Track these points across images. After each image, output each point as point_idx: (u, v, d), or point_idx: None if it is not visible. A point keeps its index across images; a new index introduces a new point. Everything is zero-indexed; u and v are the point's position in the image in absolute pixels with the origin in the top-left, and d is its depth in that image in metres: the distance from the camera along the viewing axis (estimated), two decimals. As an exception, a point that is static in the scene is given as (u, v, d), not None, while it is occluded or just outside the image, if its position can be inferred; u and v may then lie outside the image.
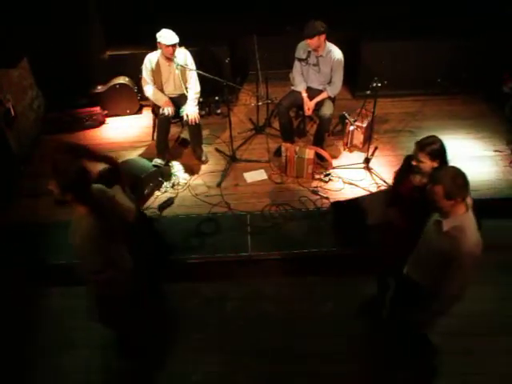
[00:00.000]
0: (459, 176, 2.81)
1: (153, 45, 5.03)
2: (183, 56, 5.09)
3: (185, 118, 5.18)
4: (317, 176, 5.22)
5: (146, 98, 5.43)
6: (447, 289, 2.94)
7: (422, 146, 3.28)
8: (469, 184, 2.81)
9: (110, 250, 3.05)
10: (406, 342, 3.75)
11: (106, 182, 3.27)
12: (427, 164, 3.26)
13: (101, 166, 3.57)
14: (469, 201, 2.95)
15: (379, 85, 4.81)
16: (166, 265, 4.44)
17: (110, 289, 3.15)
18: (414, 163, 3.31)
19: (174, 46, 4.86)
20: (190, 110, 5.14)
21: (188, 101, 5.20)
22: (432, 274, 3.06)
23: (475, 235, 2.79)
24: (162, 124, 5.25)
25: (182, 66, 5.00)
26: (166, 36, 4.82)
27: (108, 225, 2.96)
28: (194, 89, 5.19)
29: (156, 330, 4.06)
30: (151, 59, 5.07)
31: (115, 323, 3.60)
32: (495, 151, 5.48)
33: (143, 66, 5.12)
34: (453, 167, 2.90)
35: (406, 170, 3.49)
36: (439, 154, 3.27)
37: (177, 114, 5.28)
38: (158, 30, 4.88)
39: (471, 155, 5.45)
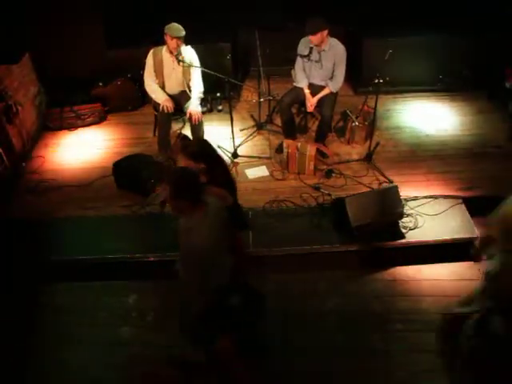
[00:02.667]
0: (185, 178, 2.81)
1: (154, 42, 5.05)
2: (189, 54, 5.12)
3: (187, 116, 5.19)
4: (318, 172, 5.22)
5: (147, 94, 5.43)
6: (184, 287, 3.02)
7: (181, 148, 3.39)
8: (198, 186, 2.81)
9: None
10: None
11: None
12: (191, 165, 3.30)
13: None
14: (214, 204, 2.96)
15: (381, 81, 4.81)
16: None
17: None
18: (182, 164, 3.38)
19: (179, 39, 4.87)
20: (193, 109, 5.14)
21: (192, 99, 5.20)
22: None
23: (201, 240, 2.78)
24: (162, 120, 5.26)
25: (186, 63, 5.01)
26: (173, 28, 4.86)
27: None
28: (197, 87, 5.20)
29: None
30: (155, 53, 5.09)
31: None
32: (497, 147, 5.47)
33: (147, 60, 5.13)
34: (184, 169, 2.92)
35: None
36: (199, 155, 3.33)
37: (178, 111, 5.28)
38: (158, 29, 4.90)
39: (473, 152, 5.45)
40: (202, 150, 3.38)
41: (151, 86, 5.20)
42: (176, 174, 2.85)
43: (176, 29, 4.86)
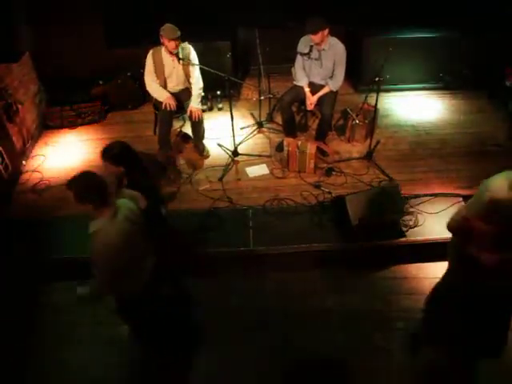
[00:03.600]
0: (85, 182, 2.83)
1: (153, 41, 5.02)
2: (188, 51, 5.10)
3: (188, 113, 5.19)
4: (319, 170, 5.22)
5: (148, 93, 5.42)
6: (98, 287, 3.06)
7: (102, 152, 3.39)
8: (100, 189, 2.82)
9: None
10: None
11: None
12: (113, 169, 3.37)
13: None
14: (125, 205, 3.00)
15: (381, 79, 4.80)
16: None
17: None
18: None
19: (176, 40, 4.85)
20: (194, 106, 5.16)
21: (192, 97, 5.20)
22: None
23: (108, 240, 2.81)
24: (164, 118, 5.25)
25: (186, 60, 5.00)
26: (169, 30, 4.81)
27: None
28: (197, 84, 5.19)
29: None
30: (154, 54, 5.07)
31: None
32: (497, 146, 5.47)
33: (146, 61, 5.11)
34: (85, 173, 2.91)
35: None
36: (121, 158, 3.37)
37: (179, 108, 5.28)
38: (158, 28, 4.87)
39: (473, 150, 5.45)
40: (121, 154, 3.40)
41: (152, 85, 5.19)
42: (76, 178, 2.85)
43: (172, 31, 4.81)
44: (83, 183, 2.82)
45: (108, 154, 3.38)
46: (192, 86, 5.23)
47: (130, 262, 3.00)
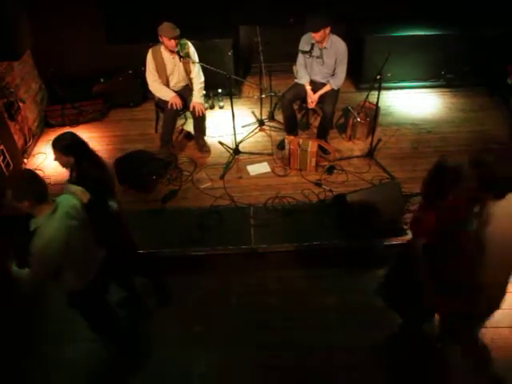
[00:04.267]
0: (21, 180, 2.85)
1: (154, 38, 5.02)
2: (185, 48, 5.09)
3: (191, 109, 5.20)
4: (320, 169, 5.22)
5: (149, 91, 5.42)
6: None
7: (53, 143, 3.37)
8: (37, 186, 2.82)
9: None
10: None
11: None
12: (63, 160, 3.37)
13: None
14: (66, 201, 2.99)
15: (382, 77, 4.80)
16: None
17: None
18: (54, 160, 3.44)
19: (176, 38, 4.84)
20: (196, 101, 5.17)
21: (193, 92, 5.21)
22: None
23: (48, 238, 2.82)
24: (169, 118, 5.26)
25: (187, 57, 5.00)
26: (168, 30, 4.81)
27: None
28: (198, 79, 5.20)
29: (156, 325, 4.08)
30: (154, 53, 5.07)
31: None
32: (497, 144, 5.47)
33: (147, 61, 5.11)
34: (21, 171, 2.92)
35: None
36: (71, 149, 3.35)
37: (183, 107, 5.28)
38: (160, 24, 4.86)
39: (474, 148, 5.43)
40: (72, 144, 3.39)
41: (154, 85, 5.19)
42: (12, 177, 2.85)
43: (171, 29, 4.80)
44: (19, 181, 2.84)
45: (59, 144, 3.36)
46: (193, 81, 5.23)
47: (71, 257, 2.99)
